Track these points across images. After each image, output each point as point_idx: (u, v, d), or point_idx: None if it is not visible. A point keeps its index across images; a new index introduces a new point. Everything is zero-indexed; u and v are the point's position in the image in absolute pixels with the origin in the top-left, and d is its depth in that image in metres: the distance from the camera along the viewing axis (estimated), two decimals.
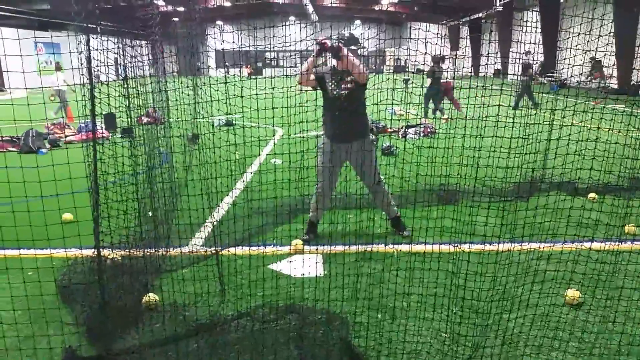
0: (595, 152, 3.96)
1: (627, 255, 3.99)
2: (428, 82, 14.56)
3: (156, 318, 3.29)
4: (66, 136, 11.17)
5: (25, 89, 2.95)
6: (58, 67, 15.43)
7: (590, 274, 3.44)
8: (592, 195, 5.82)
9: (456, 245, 4.13)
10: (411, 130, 11.21)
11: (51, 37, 3.42)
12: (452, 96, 14.96)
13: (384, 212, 5.02)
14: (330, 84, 4.52)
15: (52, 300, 3.50)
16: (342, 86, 4.46)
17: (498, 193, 5.79)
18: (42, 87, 4.10)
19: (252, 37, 4.17)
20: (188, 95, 5.06)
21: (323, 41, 4.21)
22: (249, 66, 40.74)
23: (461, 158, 3.66)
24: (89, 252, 4.00)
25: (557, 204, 4.10)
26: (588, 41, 3.72)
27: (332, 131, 4.59)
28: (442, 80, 14.66)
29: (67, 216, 4.87)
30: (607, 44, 3.66)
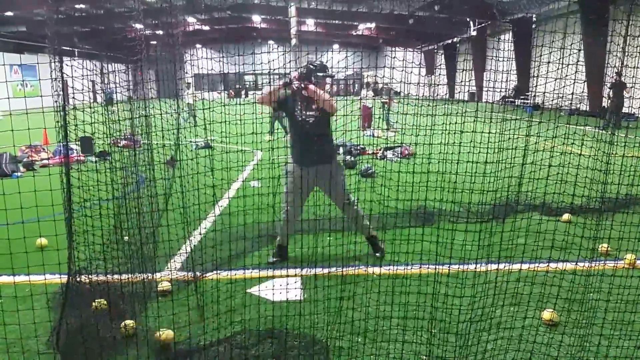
0: (569, 174, 4.05)
1: (600, 274, 4.06)
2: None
3: (133, 345, 3.22)
4: (41, 159, 10.99)
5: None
6: (188, 85, 16.38)
7: (565, 295, 3.48)
8: (566, 216, 5.93)
9: (435, 267, 4.15)
10: (389, 152, 11.33)
11: (20, 61, 3.39)
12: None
13: (359, 232, 5.00)
14: (297, 109, 4.59)
15: (26, 328, 3.40)
16: (308, 113, 4.54)
17: (475, 215, 5.85)
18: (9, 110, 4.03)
19: (231, 61, 4.19)
20: (166, 118, 5.03)
21: (292, 78, 4.34)
22: (231, 90, 41.25)
23: (441, 180, 3.71)
24: (64, 279, 3.92)
25: (532, 225, 4.16)
26: (559, 68, 3.84)
27: (298, 155, 4.64)
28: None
29: (42, 241, 4.77)
30: (576, 72, 3.78)
